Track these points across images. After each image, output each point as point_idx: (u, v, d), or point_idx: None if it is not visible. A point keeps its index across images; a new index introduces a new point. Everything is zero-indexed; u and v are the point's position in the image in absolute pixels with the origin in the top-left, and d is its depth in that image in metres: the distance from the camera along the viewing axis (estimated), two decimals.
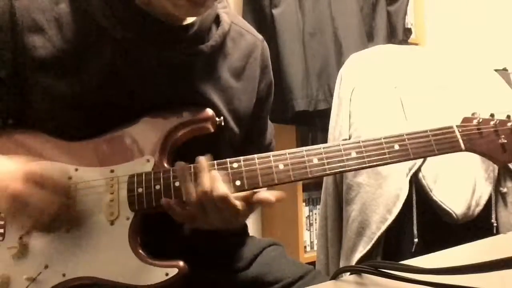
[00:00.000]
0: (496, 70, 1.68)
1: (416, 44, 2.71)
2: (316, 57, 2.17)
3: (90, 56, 0.81)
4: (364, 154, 0.80)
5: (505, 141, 0.82)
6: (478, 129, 0.83)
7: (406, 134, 0.82)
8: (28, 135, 0.83)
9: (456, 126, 0.83)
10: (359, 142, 0.81)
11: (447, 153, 0.83)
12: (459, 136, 0.82)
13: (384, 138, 0.81)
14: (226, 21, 0.90)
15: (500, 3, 2.82)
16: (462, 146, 0.82)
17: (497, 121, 0.83)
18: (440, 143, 0.82)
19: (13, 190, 0.71)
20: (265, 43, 1.00)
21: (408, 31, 2.67)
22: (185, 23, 0.85)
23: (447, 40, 2.80)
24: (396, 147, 0.81)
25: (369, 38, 2.38)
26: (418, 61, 1.58)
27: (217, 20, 0.89)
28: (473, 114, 0.85)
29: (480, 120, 0.83)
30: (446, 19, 2.87)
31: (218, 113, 0.86)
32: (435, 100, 1.46)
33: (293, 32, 2.13)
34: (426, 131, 0.82)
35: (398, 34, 2.53)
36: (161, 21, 0.82)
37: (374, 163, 0.80)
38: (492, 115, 0.84)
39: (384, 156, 0.80)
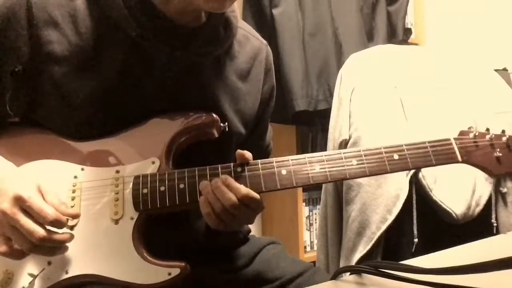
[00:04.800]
0: (496, 70, 1.69)
1: (416, 44, 2.70)
2: (316, 57, 2.17)
3: (103, 53, 0.81)
4: (365, 163, 0.82)
5: (500, 154, 0.85)
6: (475, 142, 0.86)
7: (405, 145, 0.84)
8: (37, 133, 0.84)
9: (454, 138, 0.86)
10: (359, 151, 0.83)
11: (445, 164, 0.85)
12: (456, 148, 0.85)
13: (384, 148, 0.83)
14: (234, 24, 0.92)
15: (500, 3, 2.82)
16: (459, 158, 0.85)
17: (493, 135, 0.86)
18: (437, 154, 0.84)
19: (1, 209, 0.71)
20: (269, 47, 1.02)
21: (408, 31, 2.67)
22: (197, 24, 0.86)
23: (447, 40, 2.80)
24: (396, 157, 0.83)
25: (369, 38, 2.38)
26: (418, 61, 1.58)
27: (225, 23, 0.90)
28: (469, 128, 0.88)
29: (477, 134, 0.86)
30: (446, 19, 2.87)
31: (224, 114, 0.87)
32: (435, 100, 1.46)
33: (293, 32, 2.13)
34: (424, 143, 0.85)
35: (398, 34, 2.53)
36: (174, 20, 0.83)
37: (374, 172, 0.82)
38: (487, 129, 0.87)
39: (384, 166, 0.82)
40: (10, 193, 0.71)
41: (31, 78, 0.81)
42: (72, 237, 0.75)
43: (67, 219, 0.75)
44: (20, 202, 0.71)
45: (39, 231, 0.71)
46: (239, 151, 0.81)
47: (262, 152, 1.05)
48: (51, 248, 0.74)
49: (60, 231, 0.74)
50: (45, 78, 0.81)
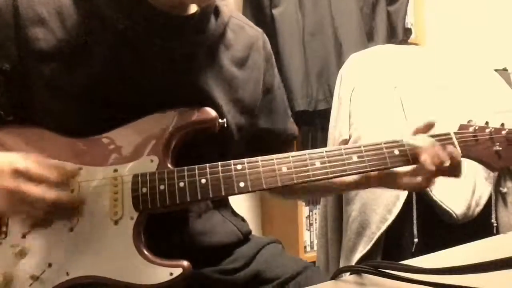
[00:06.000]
0: (496, 70, 1.69)
1: (416, 44, 2.70)
2: (316, 57, 2.17)
3: (93, 48, 0.81)
4: (365, 159, 0.81)
5: (500, 148, 0.84)
6: (474, 136, 0.85)
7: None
8: (32, 131, 0.83)
9: (454, 132, 0.86)
10: (360, 147, 0.82)
11: None
12: (456, 143, 0.84)
13: (384, 143, 0.83)
14: (225, 12, 0.91)
15: (500, 3, 2.82)
16: (459, 152, 0.84)
17: (492, 129, 0.86)
18: None
19: (4, 187, 0.70)
20: (265, 35, 1.01)
21: (408, 31, 2.66)
22: (186, 14, 0.86)
23: (447, 40, 2.80)
24: (396, 152, 0.83)
25: (369, 38, 2.38)
26: (418, 61, 1.58)
27: (216, 12, 0.90)
28: (469, 121, 0.87)
29: (476, 128, 0.86)
30: (446, 19, 2.87)
31: (220, 105, 0.87)
32: (435, 100, 1.46)
33: (293, 32, 2.13)
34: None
35: (398, 34, 2.53)
36: (164, 11, 0.83)
37: (375, 167, 0.82)
38: (487, 123, 0.87)
39: (385, 161, 0.82)
40: (6, 170, 0.70)
41: (21, 76, 0.80)
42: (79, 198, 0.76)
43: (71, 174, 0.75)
44: (19, 174, 0.70)
45: (50, 194, 0.70)
46: None
47: (283, 140, 1.05)
48: (66, 210, 0.74)
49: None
50: (35, 76, 0.80)
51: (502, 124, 0.86)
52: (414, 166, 0.85)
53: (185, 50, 0.85)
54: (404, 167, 0.85)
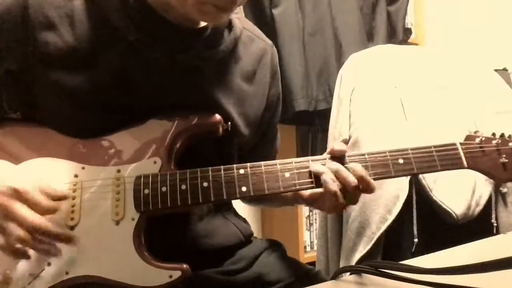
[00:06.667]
0: (496, 70, 1.69)
1: (416, 44, 2.71)
2: (316, 57, 2.17)
3: (101, 55, 0.81)
4: (369, 166, 0.80)
5: (506, 160, 0.83)
6: (481, 147, 0.83)
7: (411, 149, 0.82)
8: (37, 130, 0.83)
9: (460, 143, 0.84)
10: (364, 155, 0.81)
11: (450, 169, 0.83)
12: (462, 154, 0.83)
13: (389, 152, 0.82)
14: (238, 26, 0.90)
15: (500, 3, 2.82)
16: (465, 163, 0.83)
17: (499, 141, 0.84)
18: (443, 159, 0.82)
19: None
20: (274, 48, 1.01)
21: (408, 31, 2.67)
22: (198, 26, 0.85)
23: (447, 40, 2.80)
24: (401, 161, 0.81)
25: (369, 38, 2.38)
26: (418, 61, 1.58)
27: (229, 25, 0.89)
28: (475, 132, 0.86)
29: (483, 139, 0.84)
30: (446, 19, 2.87)
31: (228, 117, 0.86)
32: (435, 100, 1.47)
33: (293, 32, 2.13)
34: (430, 147, 0.83)
35: (398, 34, 2.53)
36: (175, 24, 0.82)
37: (378, 176, 0.81)
38: (493, 134, 0.85)
39: (389, 169, 0.81)
40: (5, 185, 0.71)
41: (27, 77, 0.81)
42: (70, 238, 0.75)
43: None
44: (15, 193, 0.71)
45: (36, 218, 0.71)
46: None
47: (270, 157, 1.05)
48: (46, 247, 0.74)
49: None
50: (41, 79, 0.80)
51: (509, 136, 0.85)
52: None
53: (194, 64, 0.85)
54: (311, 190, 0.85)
